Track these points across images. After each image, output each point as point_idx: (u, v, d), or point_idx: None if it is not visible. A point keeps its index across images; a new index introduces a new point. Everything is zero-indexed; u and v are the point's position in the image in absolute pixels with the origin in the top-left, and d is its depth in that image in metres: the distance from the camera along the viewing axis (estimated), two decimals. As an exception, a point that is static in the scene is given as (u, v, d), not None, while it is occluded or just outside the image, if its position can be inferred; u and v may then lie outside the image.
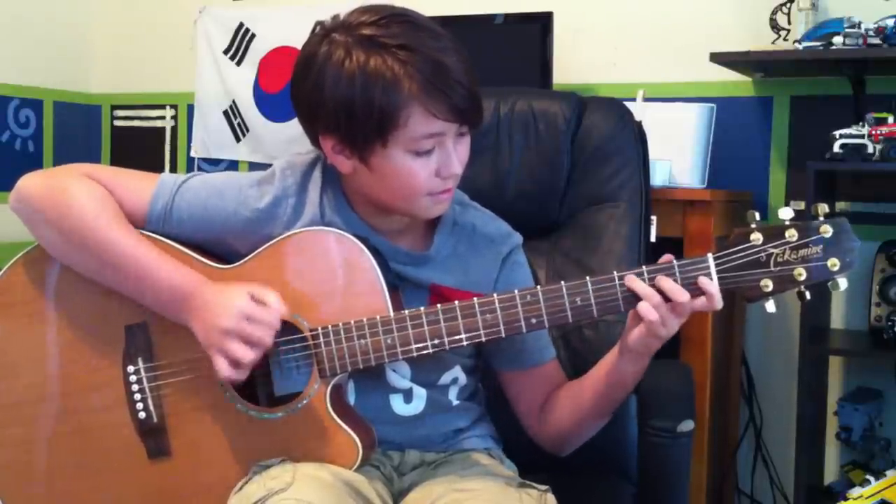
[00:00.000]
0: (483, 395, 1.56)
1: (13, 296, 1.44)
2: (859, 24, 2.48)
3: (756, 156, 2.89)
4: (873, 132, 2.41)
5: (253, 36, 3.54)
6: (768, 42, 2.77)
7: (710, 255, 1.29)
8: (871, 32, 2.47)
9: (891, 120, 2.42)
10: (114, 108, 3.81)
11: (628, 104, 1.89)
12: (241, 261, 1.40)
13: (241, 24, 3.55)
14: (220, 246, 1.44)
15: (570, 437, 1.49)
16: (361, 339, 1.33)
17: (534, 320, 1.32)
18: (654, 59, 3.00)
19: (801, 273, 1.26)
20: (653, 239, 2.27)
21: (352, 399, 1.41)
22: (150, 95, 3.75)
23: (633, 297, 1.29)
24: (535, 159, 1.81)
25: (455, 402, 1.48)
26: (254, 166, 3.50)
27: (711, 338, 2.51)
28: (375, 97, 1.29)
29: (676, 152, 2.61)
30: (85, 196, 1.38)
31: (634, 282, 1.29)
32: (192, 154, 3.65)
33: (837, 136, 2.44)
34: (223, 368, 1.30)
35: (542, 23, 2.89)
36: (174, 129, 3.73)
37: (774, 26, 2.81)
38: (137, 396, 1.40)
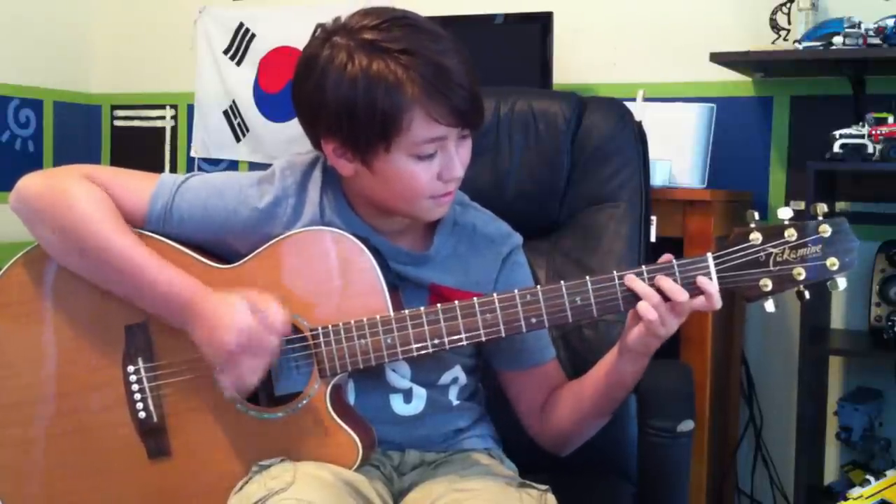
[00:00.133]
0: (483, 395, 1.56)
1: (13, 295, 1.44)
2: (859, 24, 2.48)
3: (756, 156, 2.88)
4: (873, 132, 2.41)
5: (253, 36, 3.54)
6: (768, 42, 2.77)
7: (709, 255, 1.29)
8: (871, 32, 2.47)
9: (891, 120, 2.42)
10: (114, 108, 3.81)
11: (628, 104, 1.89)
12: (241, 261, 1.40)
13: (241, 24, 3.55)
14: (219, 246, 1.44)
15: (571, 437, 1.50)
16: (361, 339, 1.33)
17: (534, 320, 1.32)
18: (654, 59, 2.99)
19: (800, 272, 1.26)
20: (653, 239, 2.27)
21: (352, 399, 1.41)
22: (150, 95, 3.75)
23: (633, 297, 1.29)
24: (535, 159, 1.81)
25: (455, 402, 1.48)
26: (254, 166, 3.49)
27: (711, 338, 2.51)
28: (378, 99, 1.29)
29: (676, 152, 2.60)
30: (85, 198, 1.38)
31: (634, 281, 1.29)
32: (192, 154, 3.65)
33: (837, 136, 2.44)
34: (228, 388, 1.32)
35: (541, 23, 2.89)
36: (174, 129, 3.73)
37: (774, 26, 2.80)
38: (137, 396, 1.40)
